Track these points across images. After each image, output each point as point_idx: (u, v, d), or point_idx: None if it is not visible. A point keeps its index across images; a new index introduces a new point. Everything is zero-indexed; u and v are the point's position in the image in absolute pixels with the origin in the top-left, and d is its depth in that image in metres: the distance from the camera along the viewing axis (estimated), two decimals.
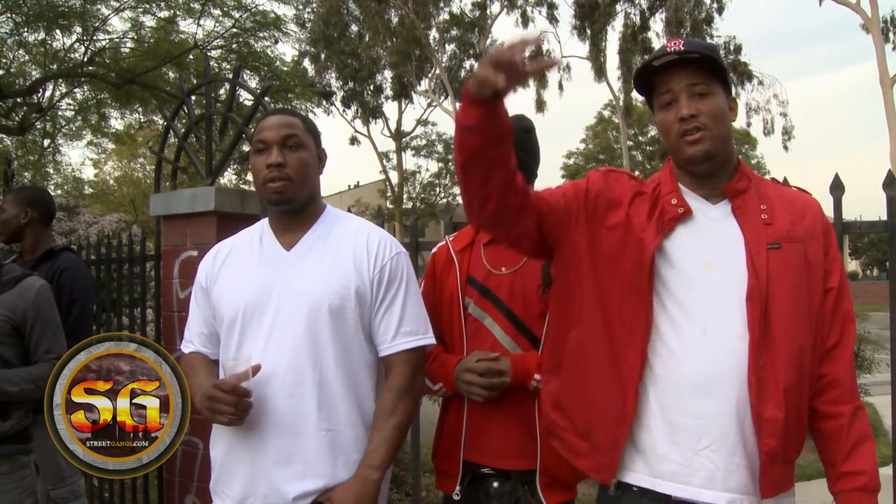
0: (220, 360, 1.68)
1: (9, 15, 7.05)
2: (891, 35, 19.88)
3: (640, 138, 33.24)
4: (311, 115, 12.90)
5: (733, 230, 1.39)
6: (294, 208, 1.66)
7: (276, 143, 1.62)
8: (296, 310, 1.58)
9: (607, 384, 1.41)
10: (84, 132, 12.67)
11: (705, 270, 1.38)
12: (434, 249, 1.96)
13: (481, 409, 1.75)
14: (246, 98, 8.20)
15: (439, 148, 31.22)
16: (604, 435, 1.41)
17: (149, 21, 8.43)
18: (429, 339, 1.67)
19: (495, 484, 1.74)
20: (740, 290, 1.35)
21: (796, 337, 1.34)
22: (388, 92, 28.76)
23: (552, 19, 23.45)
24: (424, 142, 32.33)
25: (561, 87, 24.50)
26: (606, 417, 1.41)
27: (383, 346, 1.63)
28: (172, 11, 8.24)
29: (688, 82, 1.38)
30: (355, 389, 1.61)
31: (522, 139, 1.82)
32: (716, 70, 1.39)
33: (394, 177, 30.60)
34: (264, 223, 1.74)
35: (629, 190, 1.47)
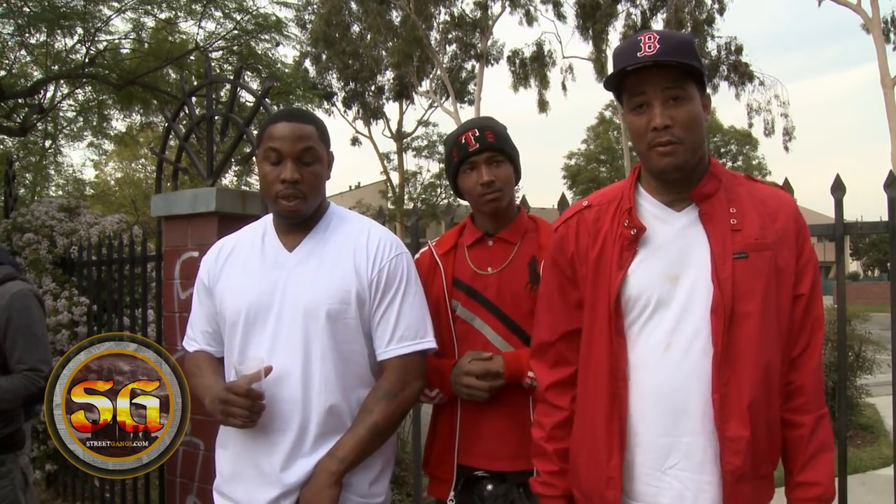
0: (226, 362, 1.67)
1: (11, 18, 7.05)
2: (891, 35, 19.87)
3: None
4: None
5: (700, 238, 1.34)
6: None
7: (291, 157, 1.56)
8: (296, 313, 1.56)
9: (593, 442, 1.40)
10: (85, 133, 12.67)
11: (670, 283, 1.34)
12: (417, 255, 1.93)
13: (474, 411, 1.73)
14: (247, 99, 8.21)
15: (440, 149, 31.22)
16: (597, 500, 1.40)
17: (150, 22, 8.44)
18: (427, 343, 1.63)
19: (489, 487, 1.72)
20: (706, 303, 1.31)
21: (763, 351, 1.29)
22: (390, 93, 28.80)
23: (559, 16, 23.42)
24: (425, 142, 32.37)
25: (564, 87, 24.52)
26: (595, 480, 1.39)
27: (379, 350, 1.61)
28: (174, 12, 8.25)
29: (663, 86, 1.31)
30: (359, 393, 1.60)
31: (510, 138, 1.81)
32: (691, 69, 1.33)
33: (395, 177, 30.61)
34: (268, 221, 1.71)
35: (588, 229, 1.46)
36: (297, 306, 1.56)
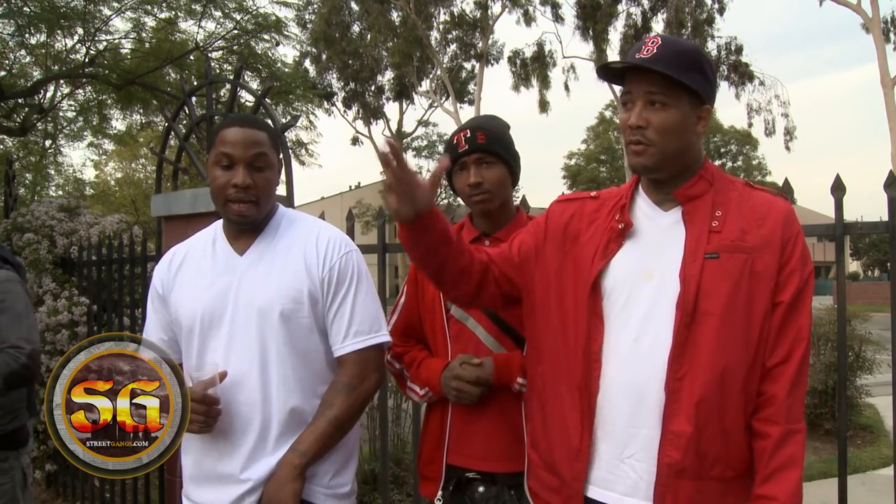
0: (185, 369, 1.66)
1: (11, 18, 7.06)
2: (891, 35, 19.88)
3: None
4: (311, 117, 12.90)
5: (678, 237, 1.37)
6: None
7: (243, 162, 1.57)
8: (250, 316, 1.58)
9: (562, 416, 1.43)
10: (85, 133, 12.68)
11: (645, 279, 1.37)
12: None
13: (465, 411, 1.73)
14: (247, 99, 8.22)
15: (440, 149, 31.25)
16: (566, 470, 1.42)
17: (150, 22, 8.45)
18: (381, 336, 1.64)
19: (481, 488, 1.71)
20: (674, 299, 1.33)
21: (723, 351, 1.30)
22: (390, 93, 28.81)
23: (557, 18, 23.44)
24: (425, 143, 32.43)
25: (567, 87, 24.56)
26: (565, 451, 1.42)
27: (335, 346, 1.62)
28: (174, 12, 8.25)
29: (647, 89, 1.34)
30: (318, 390, 1.61)
31: (508, 139, 1.81)
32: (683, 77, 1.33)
33: None
34: (217, 227, 1.71)
35: (586, 216, 1.50)
36: (251, 308, 1.58)
